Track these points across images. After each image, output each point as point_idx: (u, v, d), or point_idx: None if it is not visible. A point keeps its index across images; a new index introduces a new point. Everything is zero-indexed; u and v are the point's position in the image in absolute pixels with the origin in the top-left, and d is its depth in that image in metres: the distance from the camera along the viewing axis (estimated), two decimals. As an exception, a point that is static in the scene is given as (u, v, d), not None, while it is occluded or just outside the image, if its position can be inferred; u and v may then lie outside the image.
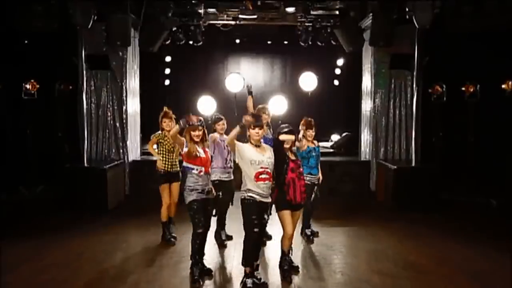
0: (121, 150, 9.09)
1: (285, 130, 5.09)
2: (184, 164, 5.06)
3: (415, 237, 6.69)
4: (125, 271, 5.26)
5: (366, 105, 9.70)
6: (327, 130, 12.62)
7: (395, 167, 8.16)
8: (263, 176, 4.63)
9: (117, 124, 9.09)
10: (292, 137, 5.04)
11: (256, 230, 4.64)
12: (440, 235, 6.80)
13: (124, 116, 9.10)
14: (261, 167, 4.62)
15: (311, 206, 6.45)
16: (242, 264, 4.76)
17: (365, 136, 9.77)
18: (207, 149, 5.19)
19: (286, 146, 5.11)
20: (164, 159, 6.23)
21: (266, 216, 4.81)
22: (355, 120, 10.49)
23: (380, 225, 7.29)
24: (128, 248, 6.14)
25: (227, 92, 9.94)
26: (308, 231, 6.52)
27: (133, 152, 9.44)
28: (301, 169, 5.17)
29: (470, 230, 7.10)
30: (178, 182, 6.15)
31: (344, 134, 11.84)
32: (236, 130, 4.64)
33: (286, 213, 5.03)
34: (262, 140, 6.29)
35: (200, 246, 4.99)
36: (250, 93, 6.50)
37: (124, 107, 9.09)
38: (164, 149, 6.24)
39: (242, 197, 4.69)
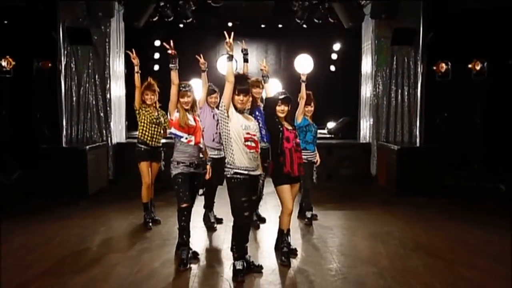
0: (104, 132, 8.45)
1: (282, 97, 4.52)
2: (172, 130, 4.48)
3: (423, 220, 6.11)
4: (101, 254, 4.65)
5: (366, 87, 9.13)
6: (322, 116, 12.04)
7: (398, 147, 7.58)
8: (249, 143, 4.00)
9: (100, 105, 8.45)
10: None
11: (246, 213, 4.02)
12: (450, 218, 6.23)
13: (108, 96, 8.46)
14: (247, 133, 4.00)
15: (310, 187, 5.90)
16: (231, 250, 4.15)
17: (365, 120, 9.19)
18: (197, 118, 4.59)
19: (281, 115, 4.55)
20: (144, 130, 5.61)
21: (257, 190, 4.22)
22: (353, 105, 9.96)
23: (383, 209, 6.72)
24: (107, 232, 5.52)
25: (219, 76, 9.34)
26: (308, 214, 5.94)
27: (118, 134, 8.80)
28: (298, 140, 4.61)
29: (481, 214, 6.53)
30: (159, 162, 5.59)
31: (341, 120, 11.26)
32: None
33: (286, 188, 4.48)
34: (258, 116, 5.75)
35: (186, 223, 4.39)
36: (246, 60, 5.84)
37: (107, 86, 8.45)
38: (145, 120, 5.62)
39: (228, 175, 4.03)
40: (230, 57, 3.96)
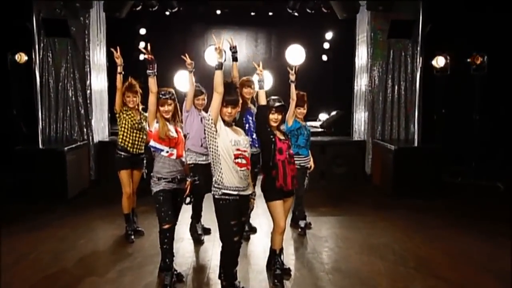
0: (85, 130, 7.97)
1: (276, 105, 4.11)
2: (152, 143, 4.06)
3: (422, 228, 5.78)
4: (77, 278, 4.23)
5: (361, 80, 8.71)
6: (315, 108, 11.68)
7: (396, 147, 7.22)
8: (239, 160, 3.59)
9: (80, 101, 7.95)
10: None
11: (236, 238, 3.64)
12: (449, 225, 5.91)
13: (88, 91, 7.96)
14: (238, 149, 3.59)
15: (303, 194, 5.54)
16: (220, 278, 3.78)
17: (359, 115, 8.81)
18: (179, 129, 4.17)
19: (274, 124, 4.16)
20: (125, 136, 5.18)
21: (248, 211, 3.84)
22: (346, 97, 9.55)
23: (379, 215, 6.39)
24: (85, 247, 5.10)
25: (207, 66, 8.86)
26: (302, 223, 5.59)
27: (100, 132, 8.32)
28: (291, 151, 4.23)
29: (481, 219, 6.23)
30: (141, 170, 5.16)
31: (334, 113, 10.88)
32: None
33: (278, 204, 4.11)
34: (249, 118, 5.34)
35: (168, 245, 4.01)
36: (235, 59, 5.37)
37: (87, 81, 7.94)
38: (126, 125, 5.18)
39: (216, 196, 3.62)
40: (220, 65, 3.53)
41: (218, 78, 3.50)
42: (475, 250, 5.03)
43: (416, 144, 7.43)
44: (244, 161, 3.62)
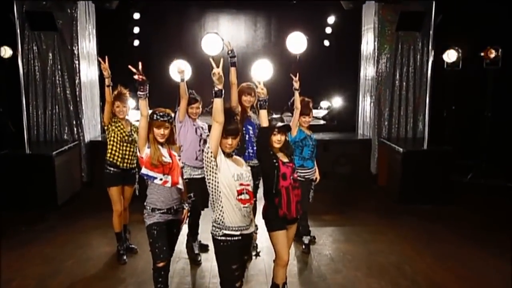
0: (75, 129, 7.54)
1: (279, 126, 3.69)
2: (143, 171, 3.65)
3: (432, 242, 5.45)
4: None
5: (367, 71, 8.23)
6: (316, 95, 11.20)
7: (404, 150, 6.82)
8: (242, 196, 3.20)
9: (69, 98, 7.49)
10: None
11: (237, 284, 3.29)
12: (463, 239, 5.55)
13: (78, 87, 7.50)
14: (241, 184, 3.20)
15: (307, 209, 5.17)
16: None
17: (365, 108, 8.37)
18: (174, 153, 3.75)
19: (277, 145, 3.75)
20: (113, 150, 4.78)
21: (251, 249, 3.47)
22: (350, 86, 9.12)
23: (386, 224, 6.06)
24: (73, 269, 4.73)
25: (204, 57, 8.31)
26: (306, 239, 5.24)
27: (91, 131, 7.89)
28: (296, 175, 3.81)
29: (496, 230, 5.87)
30: (133, 185, 4.77)
31: (335, 106, 10.40)
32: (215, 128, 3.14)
33: (281, 235, 3.72)
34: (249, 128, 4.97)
35: (163, 284, 3.63)
36: (233, 64, 4.91)
37: (77, 77, 7.46)
38: (115, 138, 4.78)
39: (216, 237, 3.25)
40: (219, 92, 3.09)
41: (218, 107, 3.08)
42: (493, 273, 4.67)
43: (425, 145, 7.01)
44: (247, 196, 3.23)
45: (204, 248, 5.13)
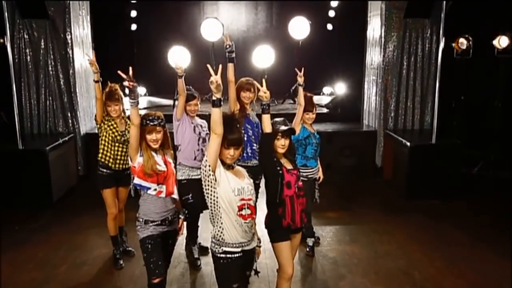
0: (70, 121, 7.26)
1: (283, 129, 3.44)
2: (136, 181, 3.41)
3: (441, 244, 5.22)
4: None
5: (373, 59, 7.90)
6: (319, 81, 10.99)
7: (411, 144, 6.56)
8: (243, 212, 2.97)
9: (63, 88, 7.20)
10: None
11: None
12: (474, 238, 5.34)
13: (72, 77, 7.19)
14: (242, 199, 2.96)
15: (311, 210, 4.95)
16: None
17: (370, 98, 8.07)
18: (169, 160, 3.49)
19: (281, 150, 3.50)
20: (105, 151, 4.54)
21: (253, 264, 3.24)
22: (355, 71, 8.81)
23: (393, 223, 5.84)
24: (67, 276, 4.51)
25: (204, 43, 8.00)
26: (310, 241, 5.03)
27: (87, 122, 7.60)
28: (300, 183, 3.57)
29: (508, 229, 5.63)
30: (127, 186, 4.53)
31: (339, 95, 10.08)
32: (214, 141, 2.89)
33: (285, 246, 3.50)
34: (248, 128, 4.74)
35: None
36: (231, 59, 4.62)
37: (70, 66, 7.15)
38: (107, 137, 4.54)
39: (216, 254, 3.03)
40: (218, 102, 2.82)
41: (216, 118, 2.81)
42: (506, 275, 4.47)
43: (433, 138, 6.72)
44: (249, 212, 2.99)
45: (204, 251, 4.91)
